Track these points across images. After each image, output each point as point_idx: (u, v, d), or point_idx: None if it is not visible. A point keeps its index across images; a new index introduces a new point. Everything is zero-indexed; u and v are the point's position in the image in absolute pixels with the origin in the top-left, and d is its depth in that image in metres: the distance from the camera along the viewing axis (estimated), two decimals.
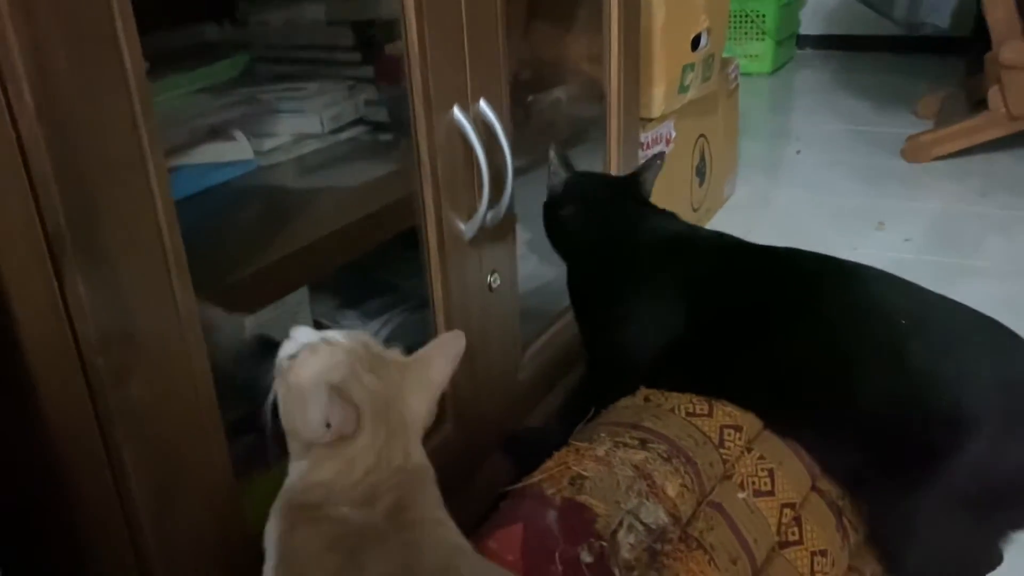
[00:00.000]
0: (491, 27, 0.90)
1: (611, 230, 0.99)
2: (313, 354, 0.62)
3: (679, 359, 0.89)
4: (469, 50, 0.86)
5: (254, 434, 0.84)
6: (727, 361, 0.87)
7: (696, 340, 0.89)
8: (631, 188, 1.02)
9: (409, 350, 1.07)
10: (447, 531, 0.60)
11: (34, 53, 0.48)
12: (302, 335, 0.64)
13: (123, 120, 0.54)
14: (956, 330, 0.81)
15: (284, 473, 0.81)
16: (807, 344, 0.83)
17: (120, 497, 0.59)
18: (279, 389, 0.63)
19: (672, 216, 1.01)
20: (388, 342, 1.09)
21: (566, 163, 1.05)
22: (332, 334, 0.64)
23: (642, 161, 1.09)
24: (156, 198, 0.57)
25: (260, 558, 0.62)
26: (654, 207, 1.02)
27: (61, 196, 0.51)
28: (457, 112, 0.85)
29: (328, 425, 0.59)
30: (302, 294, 1.07)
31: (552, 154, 1.05)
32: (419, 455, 0.63)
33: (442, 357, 0.66)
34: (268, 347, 0.79)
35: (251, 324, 1.01)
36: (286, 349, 0.63)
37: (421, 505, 0.61)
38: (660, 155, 1.03)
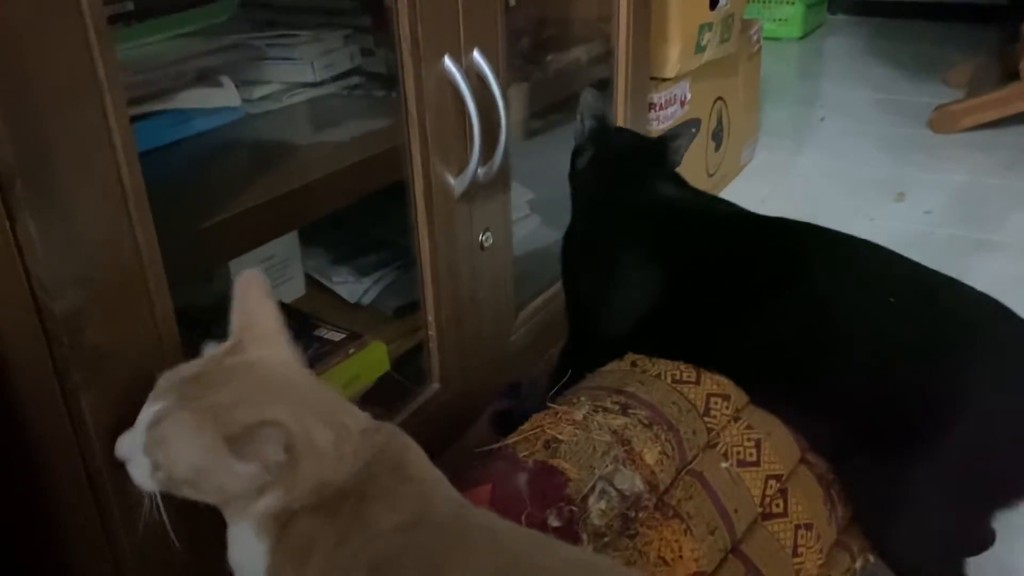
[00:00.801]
0: None
1: (614, 189, 0.95)
2: (174, 428, 0.53)
3: (661, 329, 0.87)
4: None
5: None
6: (710, 332, 0.85)
7: (679, 310, 0.87)
8: (654, 152, 0.96)
9: (402, 308, 1.07)
10: (450, 488, 0.58)
11: None
12: (131, 439, 0.55)
13: (77, 50, 0.52)
14: (948, 308, 0.79)
15: None
16: (791, 316, 0.80)
17: (78, 442, 0.58)
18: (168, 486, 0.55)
19: (680, 183, 0.96)
20: (381, 298, 1.09)
21: (597, 111, 0.99)
22: (156, 398, 0.56)
23: (671, 126, 1.05)
24: (114, 135, 0.55)
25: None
26: (668, 172, 0.96)
27: (9, 131, 0.49)
28: (448, 62, 0.83)
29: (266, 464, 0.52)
30: (293, 248, 1.06)
31: (583, 98, 0.99)
32: (363, 416, 0.59)
33: (258, 305, 0.59)
34: None
35: (236, 272, 1.00)
36: (134, 451, 0.55)
37: (416, 465, 0.58)
38: (695, 122, 0.97)
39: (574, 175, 1.00)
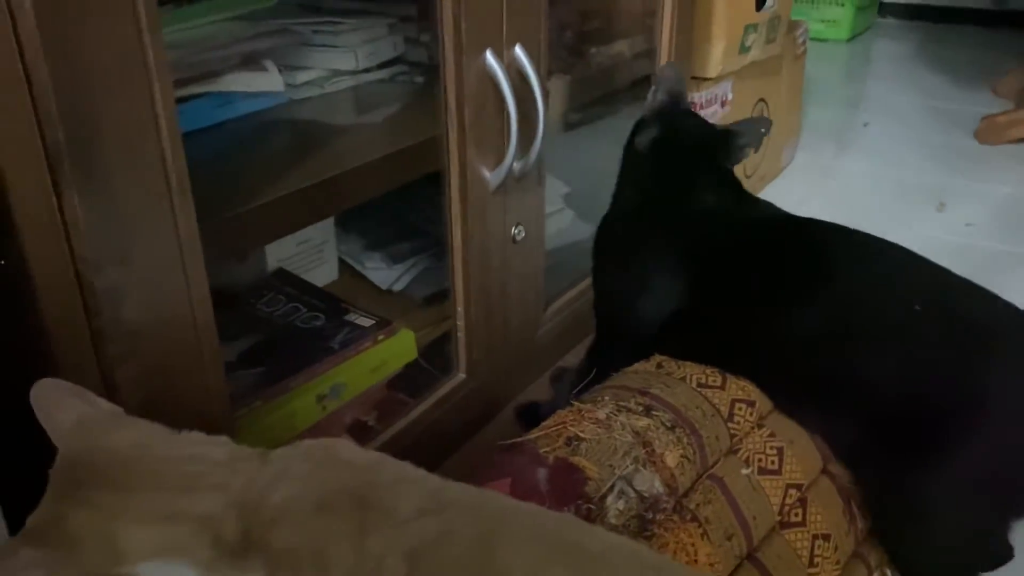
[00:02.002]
0: None
1: (666, 182, 0.92)
2: None
3: (690, 330, 0.87)
4: None
5: (260, 367, 0.85)
6: (738, 334, 0.84)
7: (710, 312, 0.86)
8: (718, 147, 0.91)
9: (432, 296, 1.08)
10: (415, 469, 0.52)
11: None
12: None
13: (127, 37, 0.53)
14: (974, 317, 0.78)
15: (283, 406, 0.82)
16: (820, 319, 0.80)
17: None
18: None
19: (733, 184, 0.93)
20: (412, 286, 1.10)
21: (674, 87, 0.94)
22: None
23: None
24: (160, 118, 0.56)
25: None
26: (725, 172, 0.92)
27: (59, 110, 0.51)
28: (490, 57, 0.83)
29: None
30: (328, 232, 1.07)
31: (661, 71, 0.96)
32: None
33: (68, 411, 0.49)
34: None
35: (273, 257, 1.02)
36: None
37: (362, 454, 0.52)
38: (765, 122, 0.92)
39: (629, 151, 0.94)
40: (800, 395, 0.83)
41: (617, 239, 0.94)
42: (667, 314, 0.87)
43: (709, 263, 0.87)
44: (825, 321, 0.80)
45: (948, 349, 0.76)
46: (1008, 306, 0.78)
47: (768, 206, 0.93)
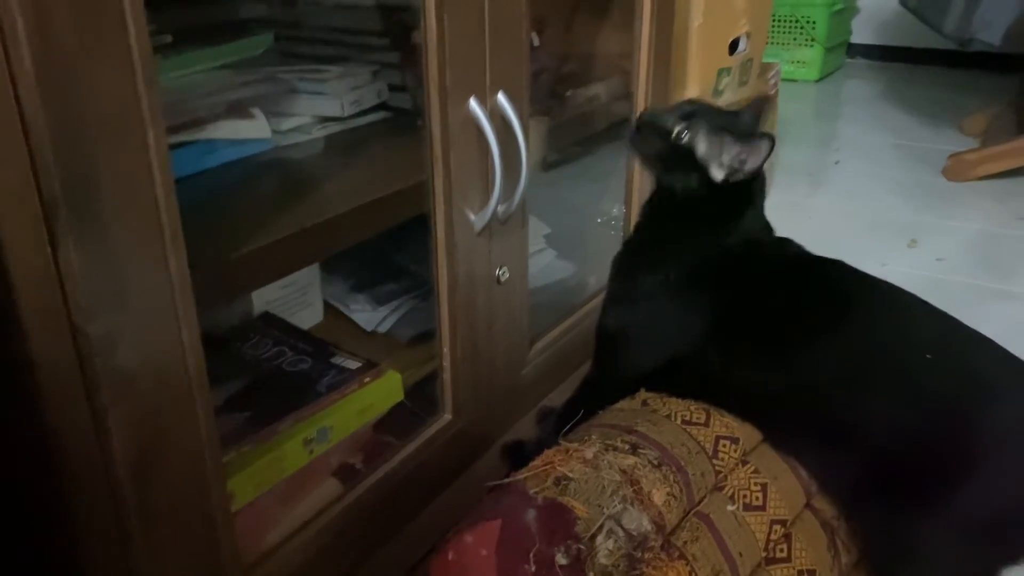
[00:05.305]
0: (515, 19, 0.89)
1: (705, 225, 0.90)
2: None
3: (687, 363, 0.88)
4: (490, 42, 0.86)
5: (248, 410, 0.85)
6: (739, 366, 0.86)
7: (717, 349, 0.88)
8: (749, 190, 0.90)
9: (418, 336, 1.08)
10: None
11: (35, 15, 0.48)
12: None
13: (124, 88, 0.54)
14: (977, 367, 0.81)
15: (271, 450, 0.82)
16: (827, 359, 0.82)
17: (104, 459, 0.60)
18: None
19: (764, 225, 0.93)
20: (396, 327, 1.11)
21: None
22: None
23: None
24: (154, 167, 0.57)
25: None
26: (756, 214, 0.92)
27: (57, 161, 0.51)
28: (474, 104, 0.85)
29: None
30: (313, 275, 1.08)
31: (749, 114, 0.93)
32: None
33: None
34: None
35: (259, 301, 1.03)
36: None
37: None
38: (761, 101, 0.91)
39: (674, 182, 0.89)
40: (805, 435, 0.84)
41: (634, 271, 0.93)
42: (674, 352, 0.88)
43: (731, 301, 0.87)
44: (838, 365, 0.82)
45: (952, 399, 0.78)
46: (1012, 358, 0.81)
47: (790, 244, 0.92)
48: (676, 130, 0.87)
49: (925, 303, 0.85)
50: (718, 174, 0.86)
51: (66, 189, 0.52)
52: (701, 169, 0.87)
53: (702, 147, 0.86)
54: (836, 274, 0.89)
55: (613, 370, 0.94)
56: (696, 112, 0.89)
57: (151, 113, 0.56)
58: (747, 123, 0.92)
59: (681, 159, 0.87)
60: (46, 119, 0.50)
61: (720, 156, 0.86)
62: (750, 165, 0.85)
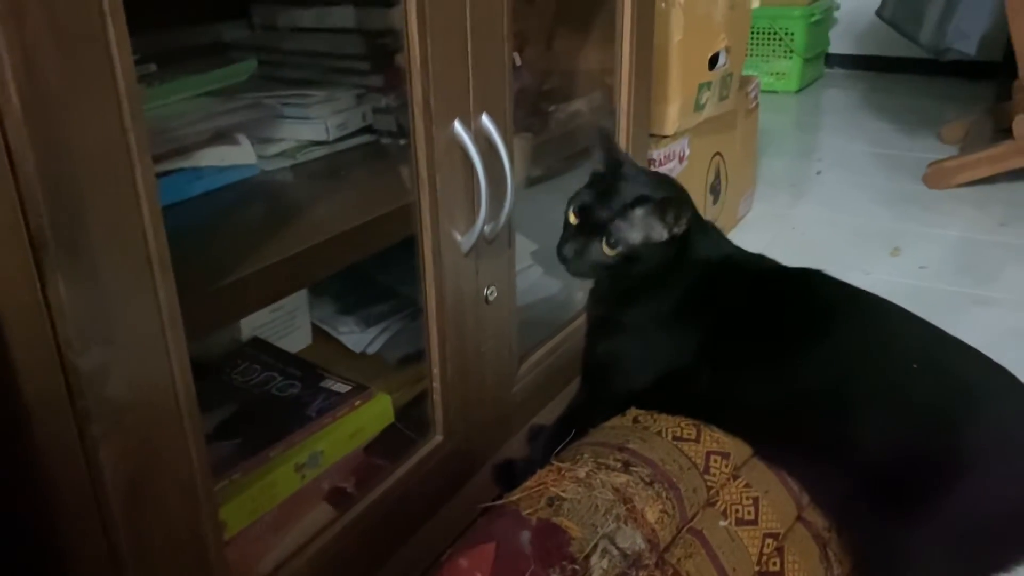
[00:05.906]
0: (497, 42, 0.90)
1: (693, 248, 0.90)
2: None
3: (677, 380, 0.88)
4: (473, 64, 0.86)
5: (238, 437, 0.85)
6: (728, 383, 0.86)
7: (700, 362, 0.88)
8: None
9: (405, 358, 1.09)
10: None
11: (22, 53, 0.49)
12: None
13: (111, 122, 0.54)
14: (963, 377, 0.82)
15: (263, 476, 0.82)
16: (813, 372, 0.83)
17: (95, 492, 0.59)
18: None
19: (721, 237, 0.95)
20: (385, 348, 1.11)
21: (608, 149, 0.93)
22: None
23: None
24: (142, 201, 0.57)
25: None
26: (709, 224, 0.94)
27: (45, 197, 0.51)
28: (458, 126, 0.86)
29: None
30: (301, 299, 1.08)
31: (598, 135, 0.95)
32: None
33: None
34: None
35: (247, 326, 1.03)
36: None
37: None
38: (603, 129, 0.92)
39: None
40: (794, 448, 0.85)
41: (621, 306, 0.94)
42: (664, 371, 0.89)
43: (717, 319, 0.88)
44: (826, 378, 0.82)
45: (940, 410, 0.79)
46: (995, 366, 0.82)
47: (763, 260, 0.94)
48: (607, 251, 0.87)
49: (907, 312, 0.86)
50: (666, 235, 0.86)
51: (54, 225, 0.52)
52: (654, 245, 0.86)
53: (637, 235, 0.86)
54: (817, 286, 0.90)
55: (604, 392, 0.94)
56: (587, 205, 0.90)
57: (138, 147, 0.56)
58: (628, 172, 0.91)
59: (635, 256, 0.87)
60: (33, 156, 0.51)
61: (653, 227, 0.86)
62: (682, 214, 0.85)
